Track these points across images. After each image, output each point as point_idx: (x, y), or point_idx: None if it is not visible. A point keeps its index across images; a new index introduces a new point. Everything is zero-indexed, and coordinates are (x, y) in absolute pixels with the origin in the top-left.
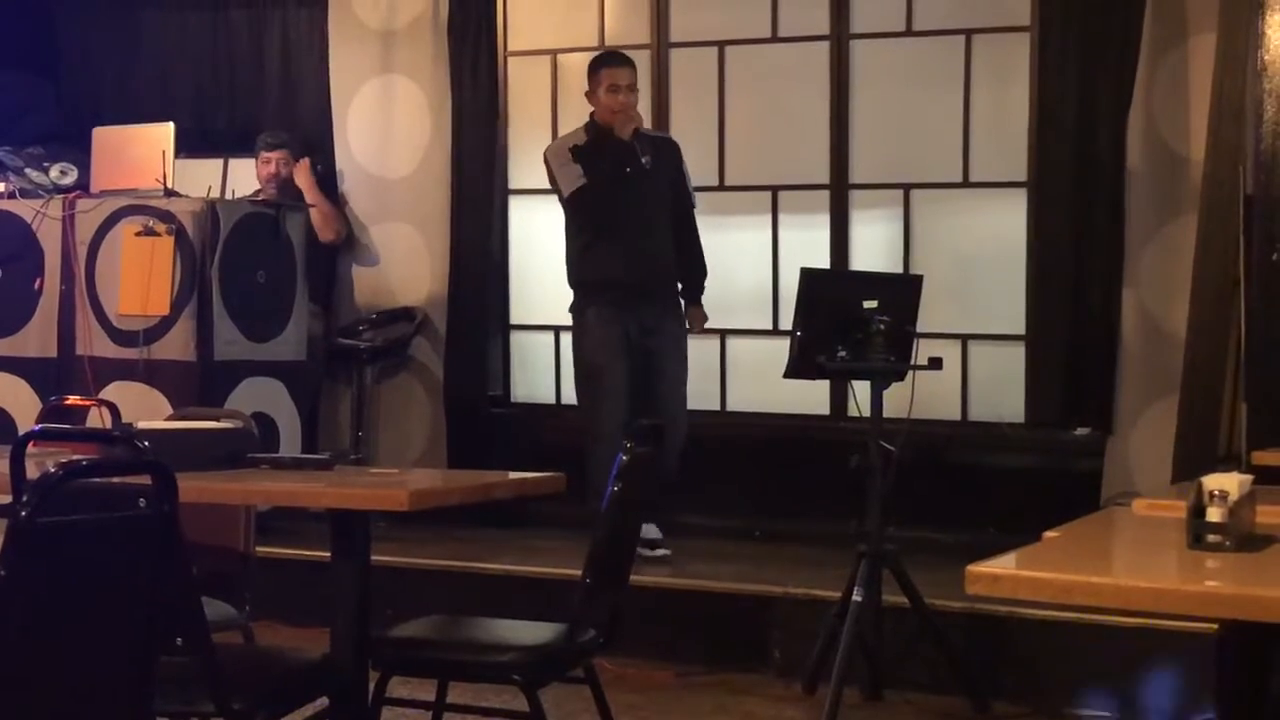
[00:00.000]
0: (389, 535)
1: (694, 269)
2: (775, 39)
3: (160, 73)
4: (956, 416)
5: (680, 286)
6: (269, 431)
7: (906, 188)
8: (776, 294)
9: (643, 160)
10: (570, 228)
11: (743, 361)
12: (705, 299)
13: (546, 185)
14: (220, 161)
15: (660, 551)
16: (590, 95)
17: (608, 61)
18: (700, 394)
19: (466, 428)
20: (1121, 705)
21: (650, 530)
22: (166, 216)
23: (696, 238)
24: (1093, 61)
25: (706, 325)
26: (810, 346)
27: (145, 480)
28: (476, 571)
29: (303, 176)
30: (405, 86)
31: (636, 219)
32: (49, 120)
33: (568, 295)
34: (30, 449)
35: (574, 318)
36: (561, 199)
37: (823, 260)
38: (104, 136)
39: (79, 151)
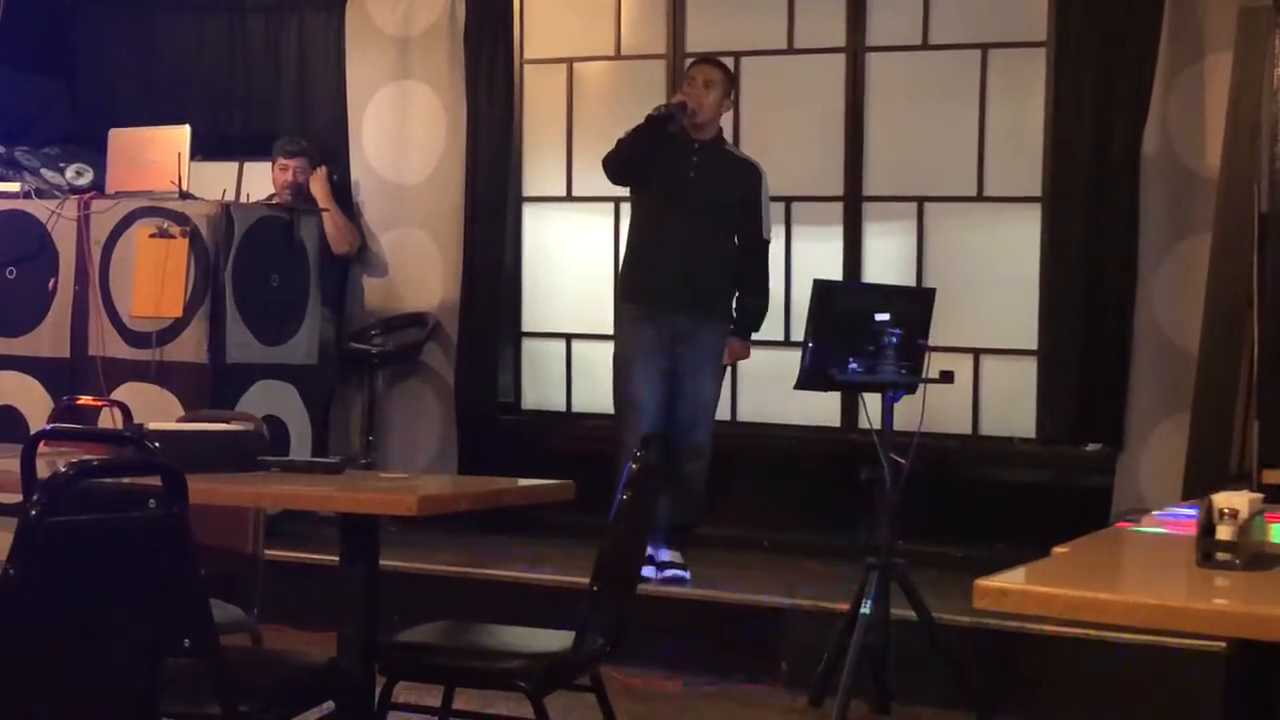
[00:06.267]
0: (398, 540)
1: (748, 302)
2: (791, 51)
3: (176, 76)
4: (967, 430)
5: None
6: (280, 434)
7: (920, 201)
8: (789, 305)
9: (670, 129)
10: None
11: (754, 372)
12: None
13: (561, 193)
14: (235, 165)
15: (670, 573)
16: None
17: (694, 62)
18: None
19: (477, 434)
20: None
21: (663, 553)
22: (181, 219)
23: (760, 272)
24: (1109, 78)
25: (738, 360)
26: (822, 358)
27: (155, 481)
28: (484, 578)
29: (318, 186)
30: (421, 93)
31: (678, 226)
32: (65, 121)
33: (580, 303)
34: (41, 448)
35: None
36: None
37: (836, 272)
38: (120, 138)
39: (95, 153)
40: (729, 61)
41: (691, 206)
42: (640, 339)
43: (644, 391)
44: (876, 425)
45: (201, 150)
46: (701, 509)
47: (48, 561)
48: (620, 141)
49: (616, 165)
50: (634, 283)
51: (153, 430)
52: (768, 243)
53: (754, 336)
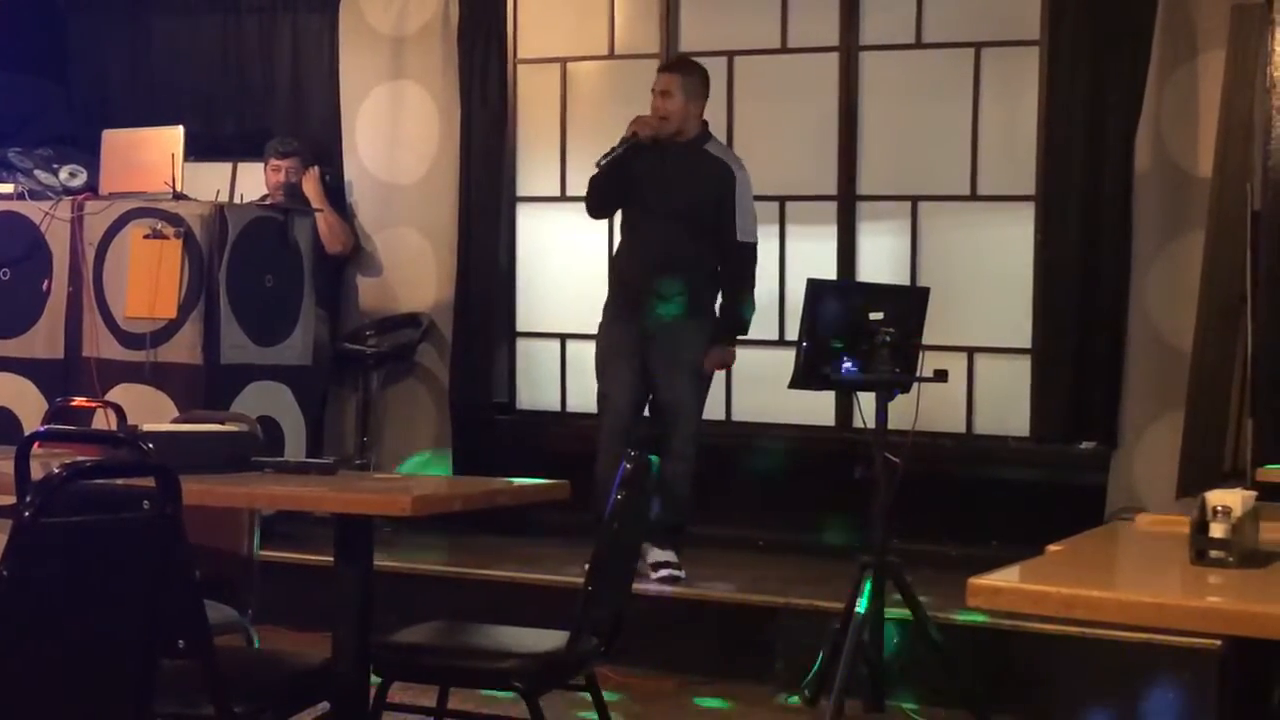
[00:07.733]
0: (392, 540)
1: (727, 308)
2: (785, 50)
3: (170, 76)
4: (961, 429)
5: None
6: (274, 435)
7: (914, 200)
8: (783, 304)
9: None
10: None
11: (748, 372)
12: None
13: (555, 193)
14: (229, 166)
15: (665, 573)
16: None
17: (660, 68)
18: (706, 404)
19: (471, 434)
20: None
21: (656, 553)
22: (175, 220)
23: (740, 277)
24: (1102, 76)
25: (720, 366)
26: (816, 357)
27: (149, 482)
28: (479, 578)
29: (311, 186)
30: (415, 92)
31: (654, 227)
32: (59, 122)
33: (574, 303)
34: (35, 450)
35: None
36: None
37: (829, 271)
38: (113, 139)
39: (88, 154)
40: (722, 61)
41: (665, 208)
42: (613, 338)
43: (615, 390)
44: (871, 424)
45: (195, 151)
46: (689, 509)
47: (42, 563)
48: (591, 182)
49: (592, 206)
50: (613, 283)
51: (146, 431)
52: (748, 245)
53: (749, 336)
